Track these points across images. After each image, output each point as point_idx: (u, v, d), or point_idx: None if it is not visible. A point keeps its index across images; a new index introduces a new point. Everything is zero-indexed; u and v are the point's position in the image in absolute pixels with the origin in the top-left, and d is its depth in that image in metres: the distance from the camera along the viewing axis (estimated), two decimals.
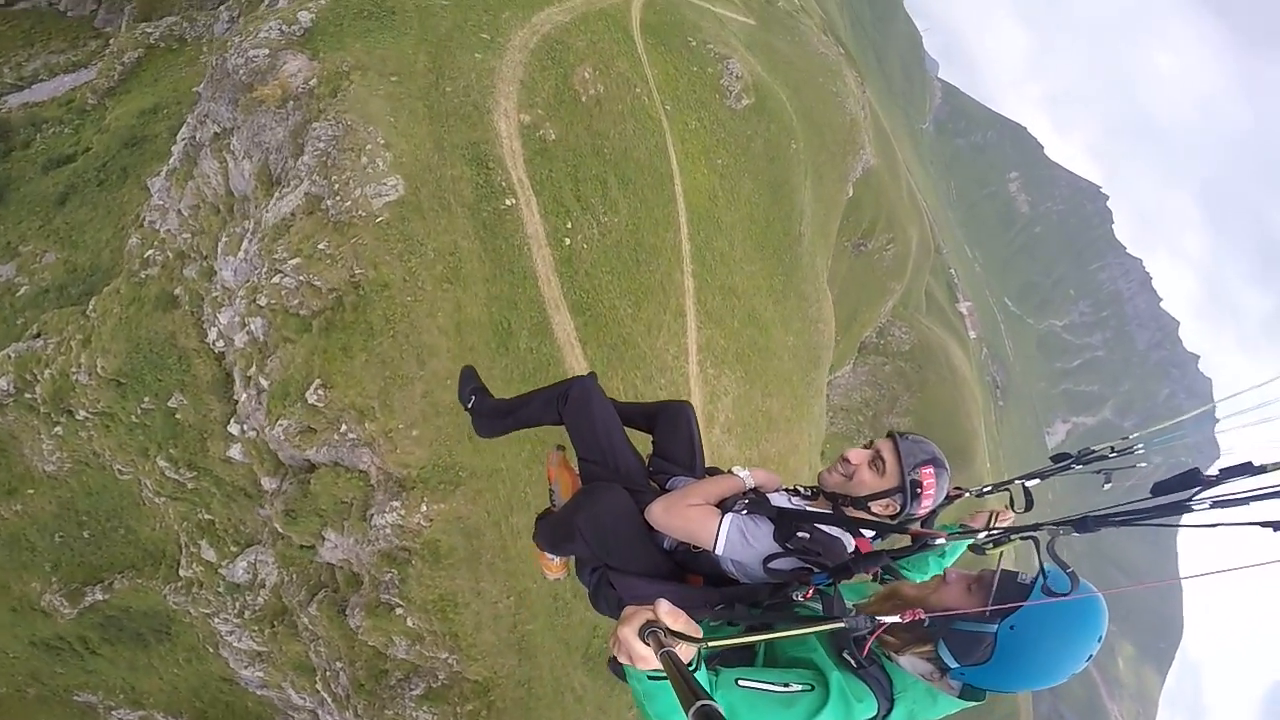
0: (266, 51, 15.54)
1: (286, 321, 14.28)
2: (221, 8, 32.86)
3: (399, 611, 15.20)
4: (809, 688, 2.31)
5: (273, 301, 14.21)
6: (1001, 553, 2.62)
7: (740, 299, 21.50)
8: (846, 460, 3.08)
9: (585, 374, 3.92)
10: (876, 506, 2.97)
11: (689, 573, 3.29)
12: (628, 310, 17.61)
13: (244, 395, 16.61)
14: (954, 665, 2.40)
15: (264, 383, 15.28)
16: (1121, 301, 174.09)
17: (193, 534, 19.18)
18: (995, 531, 2.54)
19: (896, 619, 2.31)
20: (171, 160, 20.17)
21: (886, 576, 2.92)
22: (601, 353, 16.91)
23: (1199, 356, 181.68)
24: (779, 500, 3.22)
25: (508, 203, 15.76)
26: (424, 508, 14.39)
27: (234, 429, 17.20)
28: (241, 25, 18.04)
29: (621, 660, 1.94)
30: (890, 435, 3.06)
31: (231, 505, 18.38)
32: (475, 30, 17.56)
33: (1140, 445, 2.88)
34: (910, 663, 2.50)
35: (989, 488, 3.38)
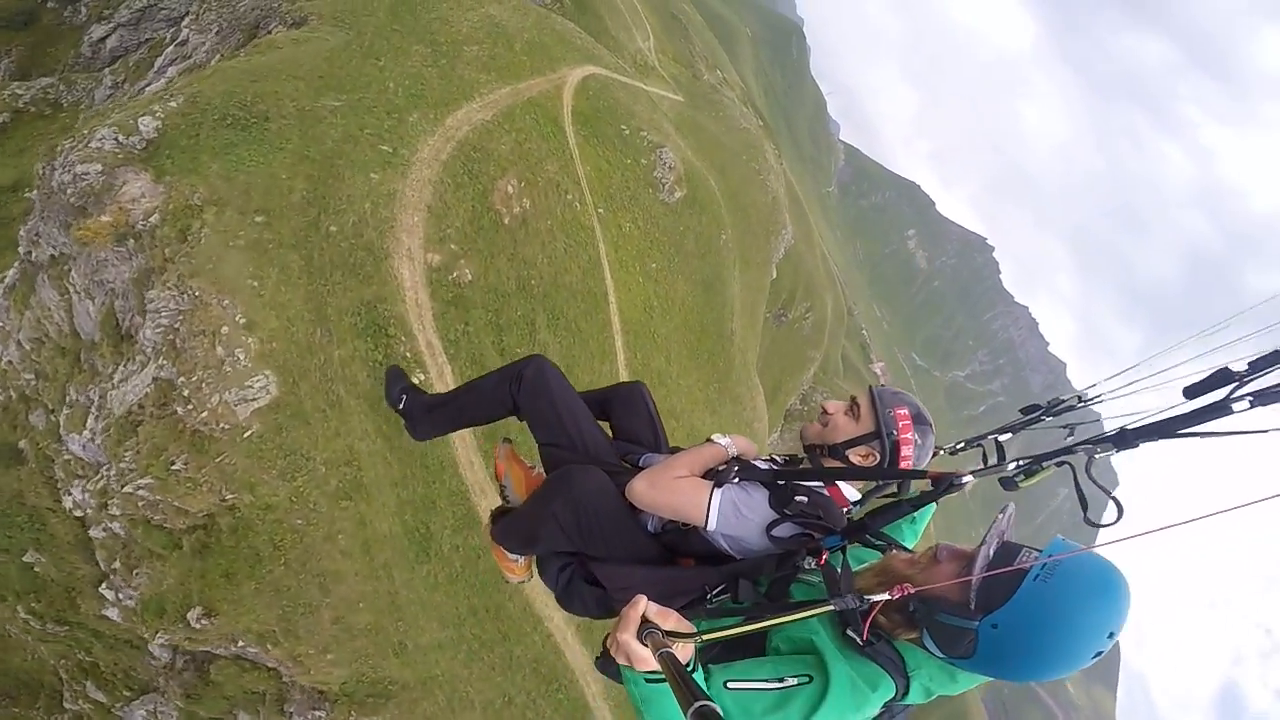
0: (100, 168, 12.34)
1: (149, 533, 11.64)
2: (106, 71, 29.26)
3: None
4: (806, 679, 2.12)
5: (129, 512, 11.45)
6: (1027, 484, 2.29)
7: (680, 420, 19.81)
8: (825, 411, 2.98)
9: (538, 354, 3.46)
10: (855, 455, 2.82)
11: (678, 554, 2.97)
12: None
13: (113, 576, 13.64)
14: (939, 655, 2.13)
15: (133, 593, 12.61)
16: (1014, 348, 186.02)
17: (74, 673, 16.00)
18: (1025, 461, 2.18)
19: (886, 596, 2.07)
20: (9, 276, 17.14)
21: (879, 543, 2.54)
22: None
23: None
24: (764, 467, 2.95)
25: (416, 380, 13.10)
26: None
27: (108, 594, 14.09)
28: (78, 127, 14.88)
29: (621, 662, 1.87)
30: (870, 387, 2.94)
31: (117, 653, 15.31)
32: (372, 141, 14.61)
33: (1111, 393, 2.72)
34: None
35: (961, 444, 3.23)
